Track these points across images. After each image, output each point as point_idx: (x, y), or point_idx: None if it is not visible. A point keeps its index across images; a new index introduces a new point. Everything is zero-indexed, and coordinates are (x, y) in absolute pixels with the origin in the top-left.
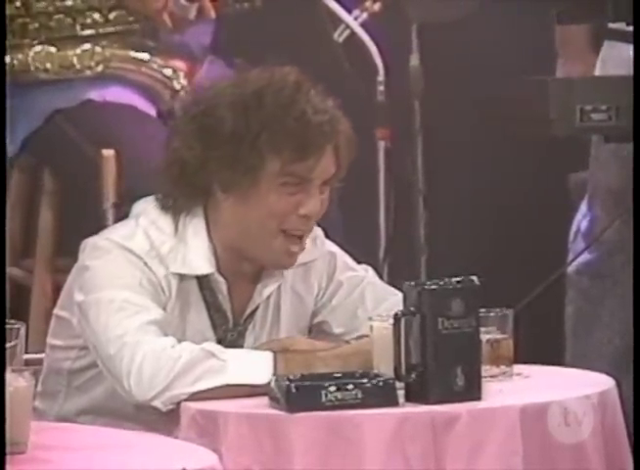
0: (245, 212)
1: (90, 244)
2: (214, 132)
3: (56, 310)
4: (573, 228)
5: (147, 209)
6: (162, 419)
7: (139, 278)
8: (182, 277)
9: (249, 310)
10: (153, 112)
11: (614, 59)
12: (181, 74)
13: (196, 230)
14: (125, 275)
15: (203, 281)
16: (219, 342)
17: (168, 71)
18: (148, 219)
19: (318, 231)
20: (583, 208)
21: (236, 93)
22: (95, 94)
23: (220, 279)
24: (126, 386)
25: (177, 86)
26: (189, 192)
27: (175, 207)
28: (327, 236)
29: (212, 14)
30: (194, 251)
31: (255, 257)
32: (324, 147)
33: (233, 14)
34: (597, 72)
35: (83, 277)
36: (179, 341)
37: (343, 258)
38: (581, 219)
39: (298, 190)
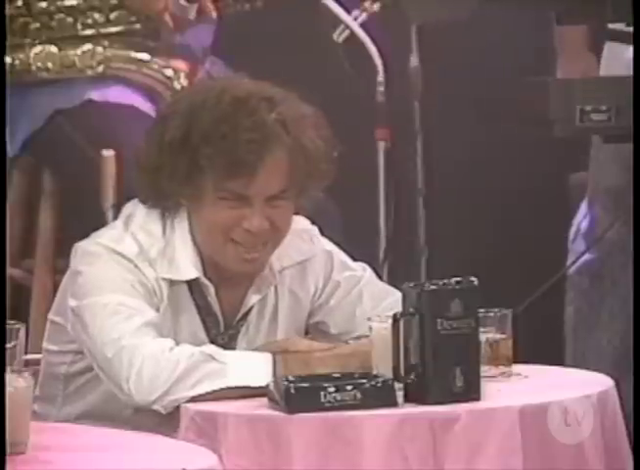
0: (196, 221)
1: (81, 249)
2: (163, 140)
3: (50, 315)
4: (574, 228)
5: (135, 212)
6: (161, 423)
7: (131, 281)
8: (172, 282)
9: (240, 314)
10: (153, 112)
11: (616, 60)
12: (182, 75)
13: (182, 234)
14: (117, 278)
15: (192, 285)
16: (212, 344)
17: (169, 72)
18: (137, 223)
19: (314, 230)
20: (583, 208)
21: (187, 102)
22: (96, 94)
23: (207, 283)
24: (126, 390)
25: (178, 87)
26: (155, 195)
27: (159, 206)
28: (322, 234)
29: (213, 14)
30: (180, 255)
31: (218, 262)
32: (256, 164)
33: (234, 14)
34: (601, 74)
35: (76, 283)
36: (175, 343)
37: (340, 256)
38: (581, 220)
39: (240, 205)
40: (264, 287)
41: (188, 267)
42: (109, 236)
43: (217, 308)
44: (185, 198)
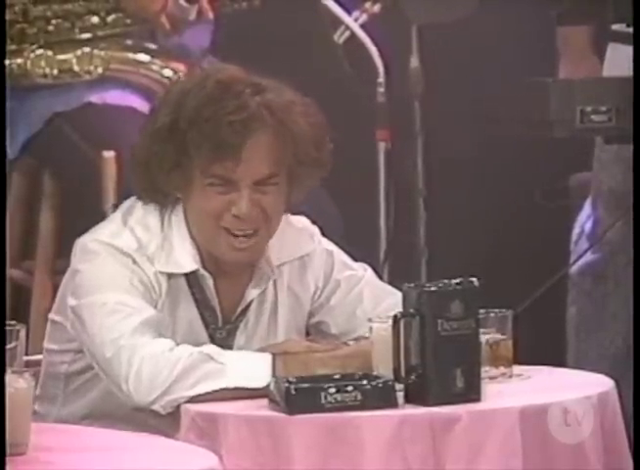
0: (189, 210)
1: (80, 246)
2: (153, 130)
3: (51, 315)
4: (577, 229)
5: (134, 206)
6: (162, 422)
7: (130, 278)
8: (170, 275)
9: (239, 309)
10: None
11: (619, 62)
12: (181, 75)
13: (179, 227)
14: (116, 276)
15: (190, 278)
16: (210, 339)
17: (168, 73)
18: (135, 218)
19: (315, 229)
20: (587, 209)
21: (174, 91)
22: (95, 97)
23: (206, 274)
24: (125, 390)
25: None
26: (149, 189)
27: (155, 202)
28: (323, 234)
29: (210, 14)
30: (178, 248)
31: (212, 253)
32: (240, 146)
33: (232, 14)
34: (605, 75)
35: (75, 281)
36: (171, 339)
37: (341, 256)
38: (585, 221)
39: (228, 190)
40: (263, 282)
41: (187, 260)
42: (107, 231)
43: (216, 302)
44: (176, 188)
